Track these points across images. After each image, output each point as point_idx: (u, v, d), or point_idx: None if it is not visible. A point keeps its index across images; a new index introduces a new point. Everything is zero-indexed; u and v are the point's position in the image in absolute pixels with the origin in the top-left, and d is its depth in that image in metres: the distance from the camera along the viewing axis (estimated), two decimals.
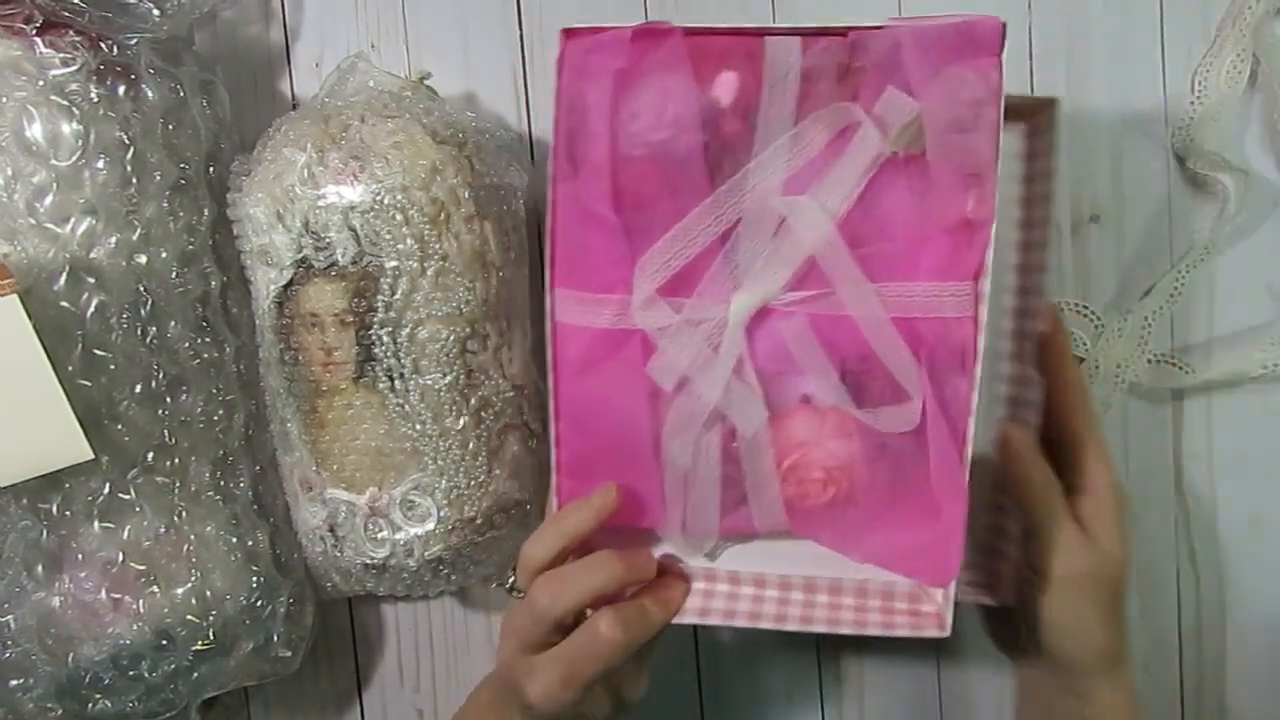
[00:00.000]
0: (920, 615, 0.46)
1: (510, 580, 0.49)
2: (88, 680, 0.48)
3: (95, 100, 0.47)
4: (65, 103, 0.46)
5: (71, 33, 0.47)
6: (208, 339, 0.52)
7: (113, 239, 0.48)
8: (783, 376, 0.44)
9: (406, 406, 0.50)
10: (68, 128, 0.46)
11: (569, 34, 0.42)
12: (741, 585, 0.48)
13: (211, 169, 0.52)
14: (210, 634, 0.50)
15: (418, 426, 0.50)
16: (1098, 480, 0.49)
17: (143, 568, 0.49)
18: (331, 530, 0.52)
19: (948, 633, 0.44)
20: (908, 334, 0.43)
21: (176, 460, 0.50)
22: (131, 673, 0.49)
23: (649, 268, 0.44)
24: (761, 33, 0.41)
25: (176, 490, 0.50)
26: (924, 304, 0.42)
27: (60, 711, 0.48)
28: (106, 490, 0.48)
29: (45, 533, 0.48)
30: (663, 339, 0.44)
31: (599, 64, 0.42)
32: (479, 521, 0.52)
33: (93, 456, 0.45)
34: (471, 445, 0.51)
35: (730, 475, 0.45)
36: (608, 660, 0.45)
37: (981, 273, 0.42)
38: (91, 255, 0.47)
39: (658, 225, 0.43)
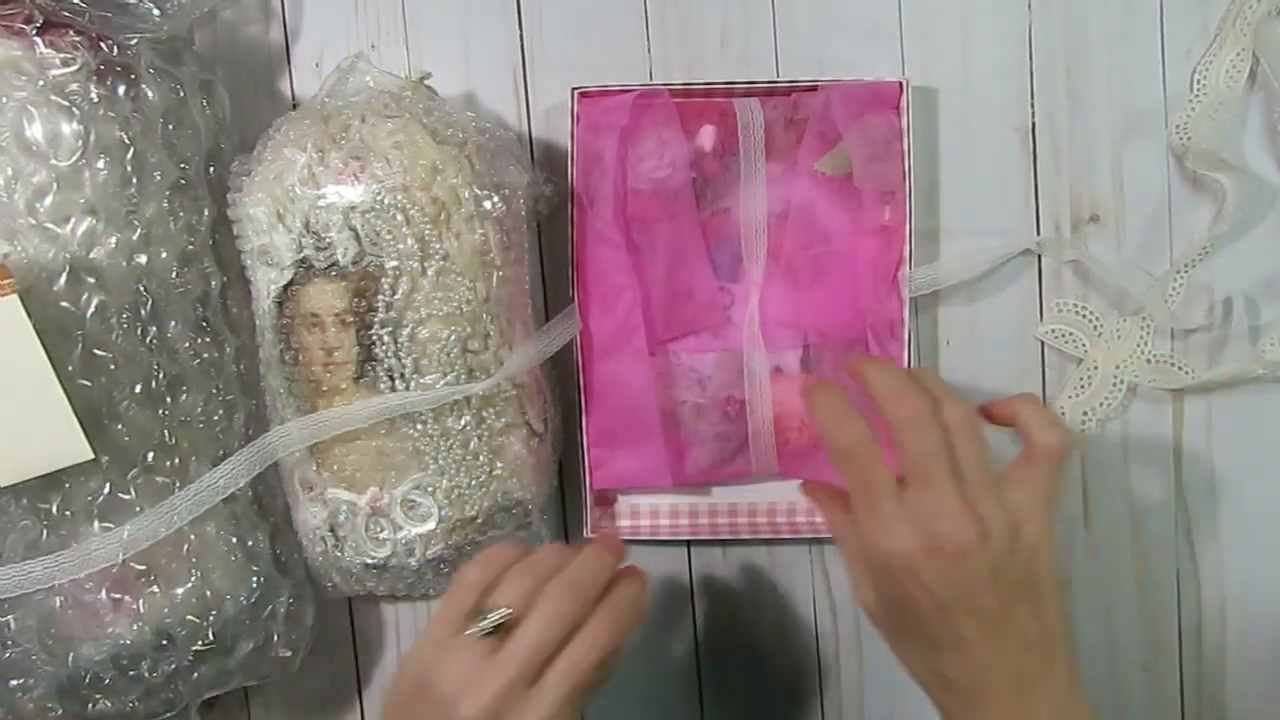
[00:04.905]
0: None
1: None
2: (88, 680, 0.48)
3: (95, 100, 0.47)
4: (65, 103, 0.46)
5: (71, 33, 0.47)
6: (208, 339, 0.52)
7: (113, 239, 0.48)
8: (758, 355, 0.57)
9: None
10: (68, 128, 0.46)
11: (582, 95, 0.54)
12: (738, 516, 0.59)
13: (211, 169, 0.52)
14: (210, 634, 0.50)
15: (419, 426, 0.50)
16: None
17: (143, 568, 0.49)
18: (332, 530, 0.52)
19: None
20: (853, 312, 0.56)
21: (176, 460, 0.50)
22: (131, 673, 0.49)
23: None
24: (728, 94, 0.56)
25: (176, 490, 0.50)
26: (863, 290, 0.56)
27: (60, 711, 0.48)
28: (106, 490, 0.48)
29: (45, 533, 0.48)
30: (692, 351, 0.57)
31: (608, 122, 0.54)
32: (480, 521, 0.52)
33: (93, 456, 0.45)
34: (473, 445, 0.51)
35: (726, 432, 0.57)
36: (606, 662, 0.43)
37: (900, 265, 0.55)
38: (91, 255, 0.47)
39: (659, 241, 0.56)
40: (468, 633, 0.42)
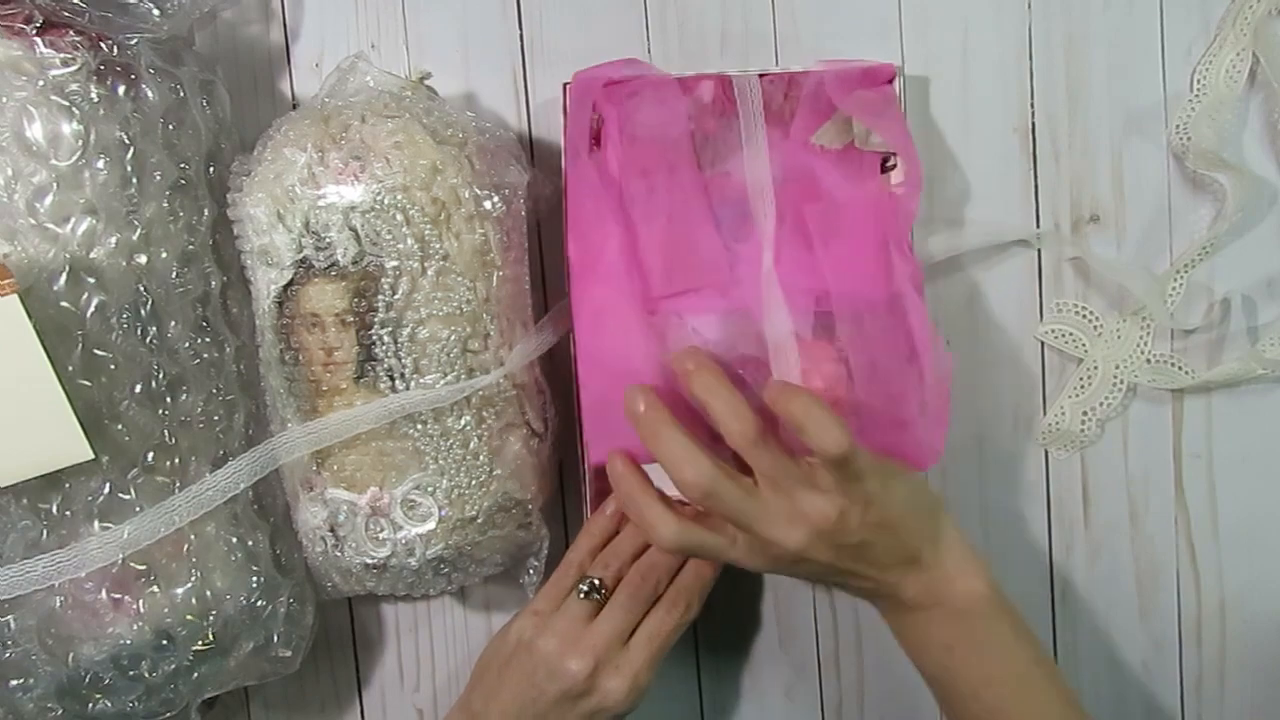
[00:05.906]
0: None
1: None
2: (88, 680, 0.48)
3: (95, 100, 0.47)
4: (65, 103, 0.46)
5: (71, 33, 0.47)
6: (208, 339, 0.52)
7: (113, 239, 0.48)
8: (779, 313, 0.53)
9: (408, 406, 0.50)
10: (68, 128, 0.46)
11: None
12: None
13: (211, 169, 0.52)
14: (210, 634, 0.50)
15: (419, 426, 0.50)
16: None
17: (143, 567, 0.49)
18: (332, 530, 0.52)
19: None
20: (870, 276, 0.53)
21: (176, 460, 0.50)
22: (131, 673, 0.49)
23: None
24: (725, 76, 0.54)
25: (176, 490, 0.50)
26: (876, 253, 0.53)
27: (60, 711, 0.48)
28: (106, 490, 0.48)
29: (45, 533, 0.48)
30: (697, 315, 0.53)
31: (599, 75, 0.52)
32: (480, 520, 0.52)
33: (93, 456, 0.45)
34: (473, 444, 0.51)
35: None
36: (680, 629, 0.52)
37: (910, 226, 0.53)
38: (91, 255, 0.47)
39: (658, 191, 0.53)
40: (574, 597, 0.52)
